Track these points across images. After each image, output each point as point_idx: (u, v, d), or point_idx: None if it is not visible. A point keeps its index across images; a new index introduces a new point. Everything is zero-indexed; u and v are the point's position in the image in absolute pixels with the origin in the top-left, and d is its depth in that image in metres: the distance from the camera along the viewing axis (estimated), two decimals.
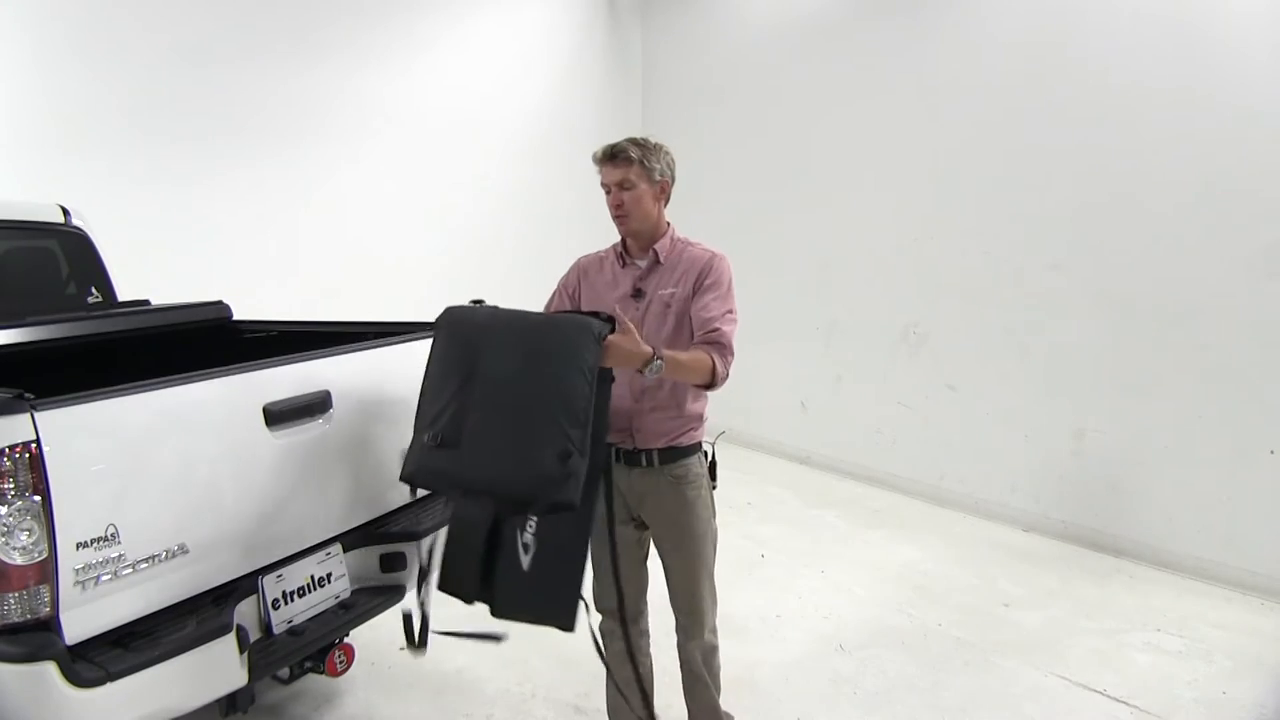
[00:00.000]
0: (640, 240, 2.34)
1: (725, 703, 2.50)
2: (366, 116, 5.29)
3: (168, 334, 2.99)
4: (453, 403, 1.97)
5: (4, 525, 1.69)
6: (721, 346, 2.19)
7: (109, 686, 1.78)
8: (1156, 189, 3.92)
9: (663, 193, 2.32)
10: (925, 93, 4.82)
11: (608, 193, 2.30)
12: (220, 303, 3.24)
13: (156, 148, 4.45)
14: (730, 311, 2.25)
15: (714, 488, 2.40)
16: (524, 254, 6.03)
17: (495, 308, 2.17)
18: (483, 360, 1.98)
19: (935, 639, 3.39)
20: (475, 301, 2.31)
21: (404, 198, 5.50)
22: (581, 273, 2.46)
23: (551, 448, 1.86)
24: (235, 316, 3.24)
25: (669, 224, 2.38)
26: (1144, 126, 3.93)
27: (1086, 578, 3.93)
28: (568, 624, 2.02)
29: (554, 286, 2.51)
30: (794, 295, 5.67)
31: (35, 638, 1.74)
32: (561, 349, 1.93)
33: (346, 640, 2.48)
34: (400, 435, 2.56)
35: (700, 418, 2.35)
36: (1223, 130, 3.69)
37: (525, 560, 1.96)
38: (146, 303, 3.35)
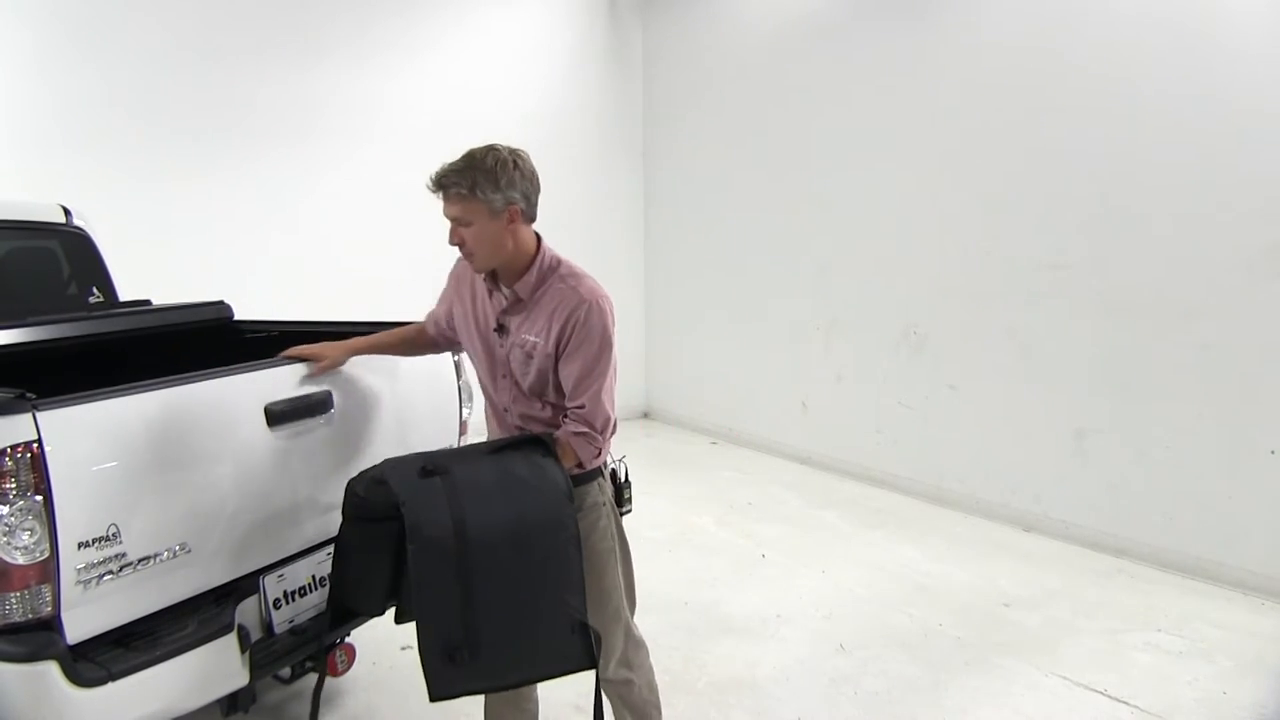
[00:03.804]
0: (505, 272, 2.05)
1: (725, 702, 2.49)
2: (367, 116, 5.29)
3: (169, 334, 2.99)
4: (460, 620, 1.87)
5: (6, 525, 1.70)
6: (587, 435, 1.97)
7: (110, 686, 1.79)
8: (1156, 189, 3.92)
9: (513, 220, 1.98)
10: (925, 92, 4.82)
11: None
12: (221, 303, 3.24)
13: (158, 147, 4.45)
14: (600, 389, 1.96)
15: (623, 512, 2.20)
16: None
17: (448, 474, 1.85)
18: (472, 556, 1.84)
19: (935, 639, 3.39)
20: (424, 470, 1.87)
21: (405, 197, 5.47)
22: (456, 283, 2.24)
23: (564, 624, 1.88)
24: (236, 316, 3.24)
25: (539, 247, 2.06)
26: (1144, 127, 3.93)
27: (1086, 578, 3.93)
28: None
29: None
30: (794, 295, 5.67)
31: (37, 637, 1.74)
32: (545, 523, 1.87)
33: (348, 640, 2.49)
34: (400, 435, 2.58)
35: None
36: (1223, 130, 3.69)
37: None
38: (147, 303, 3.35)
